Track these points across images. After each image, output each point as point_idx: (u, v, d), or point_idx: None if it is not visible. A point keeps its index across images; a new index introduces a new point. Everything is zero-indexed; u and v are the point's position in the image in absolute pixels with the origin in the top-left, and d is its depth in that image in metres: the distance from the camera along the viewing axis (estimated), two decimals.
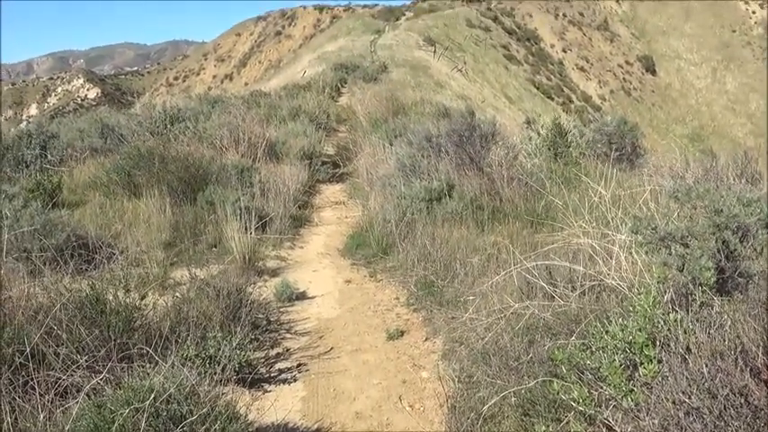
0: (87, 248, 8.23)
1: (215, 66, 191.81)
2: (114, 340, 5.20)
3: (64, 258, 7.51)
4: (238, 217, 9.16)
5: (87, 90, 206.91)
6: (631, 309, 4.13)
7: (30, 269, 6.89)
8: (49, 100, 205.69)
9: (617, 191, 7.08)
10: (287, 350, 6.50)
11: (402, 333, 6.72)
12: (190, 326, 5.79)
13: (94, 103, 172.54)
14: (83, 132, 16.09)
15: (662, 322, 3.94)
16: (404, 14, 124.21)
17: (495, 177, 10.08)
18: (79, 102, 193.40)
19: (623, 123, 12.56)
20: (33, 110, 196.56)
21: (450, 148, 11.04)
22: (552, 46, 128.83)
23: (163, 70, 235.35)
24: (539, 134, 12.27)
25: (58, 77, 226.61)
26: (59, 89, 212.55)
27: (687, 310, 4.16)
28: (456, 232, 8.69)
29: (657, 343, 3.87)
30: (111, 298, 5.49)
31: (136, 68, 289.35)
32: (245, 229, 8.89)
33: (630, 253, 5.44)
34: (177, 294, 6.72)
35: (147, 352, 4.90)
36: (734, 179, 7.99)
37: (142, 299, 5.77)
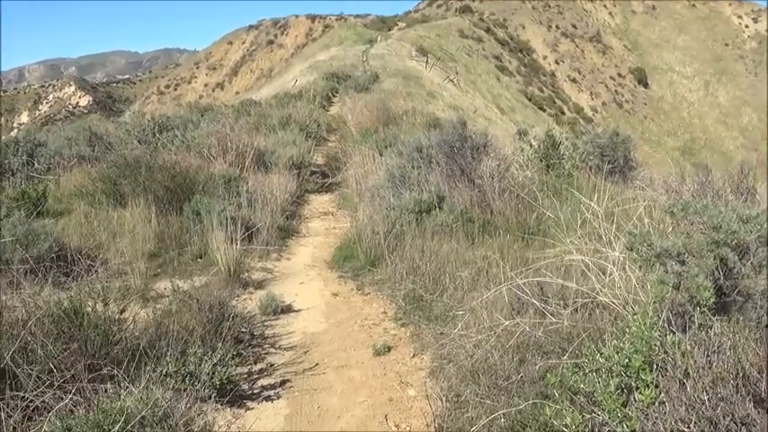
0: (69, 259, 8.05)
1: (206, 74, 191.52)
2: (92, 356, 5.04)
3: (44, 269, 7.37)
4: (224, 227, 9.00)
5: (79, 98, 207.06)
6: (627, 330, 3.97)
7: (9, 280, 6.72)
8: (40, 108, 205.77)
9: (610, 204, 6.95)
10: (270, 366, 6.32)
11: (389, 349, 6.54)
12: (170, 340, 5.62)
13: (86, 111, 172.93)
14: (71, 140, 15.95)
15: (659, 344, 3.78)
16: (396, 25, 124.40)
17: (486, 189, 9.96)
18: (71, 109, 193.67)
19: (616, 135, 12.45)
20: (24, 117, 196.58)
21: (440, 159, 10.92)
22: (545, 57, 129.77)
23: (154, 78, 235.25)
24: (531, 146, 12.15)
25: (50, 85, 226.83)
26: (51, 97, 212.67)
27: (685, 332, 4.01)
28: (446, 245, 8.54)
29: (654, 367, 3.72)
30: (89, 311, 5.31)
31: (128, 76, 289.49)
32: (231, 239, 8.71)
33: (624, 269, 5.30)
34: (159, 307, 6.56)
35: (123, 368, 4.73)
36: (730, 194, 7.88)
37: (121, 312, 5.60)
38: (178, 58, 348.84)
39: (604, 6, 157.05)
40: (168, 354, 5.35)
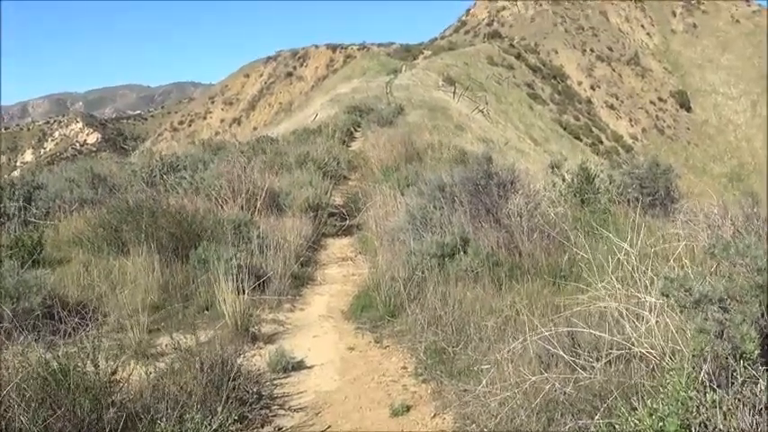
0: (66, 312, 7.95)
1: (222, 109, 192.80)
2: (80, 421, 4.96)
3: (36, 324, 7.31)
4: (233, 276, 8.88)
5: (87, 135, 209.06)
6: (662, 388, 3.82)
7: None
8: (45, 145, 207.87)
9: (647, 243, 6.81)
10: (278, 429, 6.20)
11: (408, 408, 6.41)
12: (168, 403, 5.51)
13: (94, 149, 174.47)
14: (72, 182, 15.93)
15: (697, 405, 3.63)
16: (422, 53, 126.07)
17: (513, 229, 9.88)
18: (78, 147, 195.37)
19: (656, 165, 12.32)
20: (29, 156, 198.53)
21: (464, 197, 10.80)
22: (580, 83, 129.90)
23: (167, 114, 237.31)
24: (563, 179, 12.03)
25: (55, 121, 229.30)
26: (56, 134, 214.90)
27: (727, 388, 3.86)
28: (470, 292, 8.44)
29: (693, 430, 3.56)
30: (78, 373, 5.22)
31: (139, 112, 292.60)
32: (240, 290, 8.62)
33: (662, 316, 5.15)
34: (158, 366, 6.47)
35: None
36: None
37: (113, 374, 5.50)
38: (192, 92, 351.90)
39: (642, 27, 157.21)
40: (164, 420, 5.24)
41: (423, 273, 9.35)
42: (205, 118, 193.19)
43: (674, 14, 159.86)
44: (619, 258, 6.45)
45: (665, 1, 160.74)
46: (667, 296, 4.81)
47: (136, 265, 10.10)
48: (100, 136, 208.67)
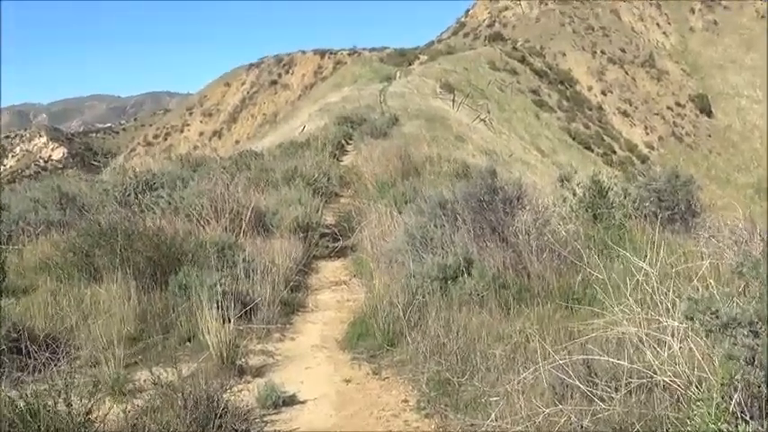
0: (34, 345, 7.93)
1: (201, 121, 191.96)
2: None
3: (1, 360, 7.30)
4: (217, 304, 8.90)
5: (51, 150, 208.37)
6: (689, 420, 3.84)
7: None
8: (5, 162, 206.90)
9: (668, 262, 6.85)
10: None
11: None
12: None
13: (60, 166, 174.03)
14: (37, 203, 15.87)
15: None
16: (418, 58, 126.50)
17: (521, 249, 9.90)
18: (42, 164, 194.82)
19: (675, 177, 12.33)
20: None
21: (467, 215, 10.85)
22: (590, 88, 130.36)
23: (140, 126, 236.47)
24: (574, 193, 12.09)
25: (17, 135, 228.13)
26: (18, 149, 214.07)
27: (761, 419, 3.87)
28: (475, 317, 8.47)
29: None
30: (48, 413, 5.21)
31: (109, 125, 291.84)
32: (225, 318, 8.62)
33: (686, 341, 5.17)
34: (137, 403, 6.47)
35: None
36: None
37: (87, 413, 5.49)
38: (168, 102, 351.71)
39: (657, 25, 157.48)
40: None
41: (423, 297, 9.36)
42: (182, 131, 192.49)
43: (693, 11, 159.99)
44: (637, 279, 6.50)
45: None
46: (692, 319, 4.84)
47: (110, 293, 10.06)
48: (66, 151, 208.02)
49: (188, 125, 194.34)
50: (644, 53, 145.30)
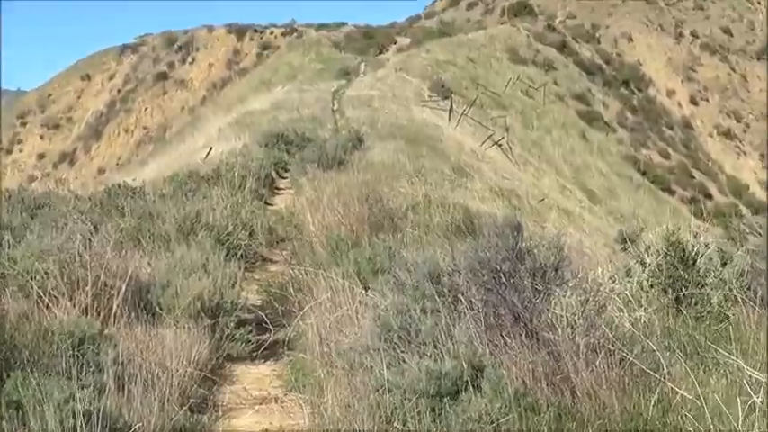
0: None
1: (42, 136, 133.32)
2: None
3: None
4: None
5: None
6: None
7: None
8: None
9: None
10: None
11: None
12: None
13: None
14: None
15: None
16: (394, 41, 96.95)
17: (561, 349, 7.45)
18: None
19: None
20: None
21: (474, 294, 8.30)
22: (672, 93, 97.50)
23: None
24: (644, 263, 9.69)
25: None
26: None
27: None
28: None
29: None
30: None
31: None
32: None
33: None
34: None
35: None
36: None
37: None
38: None
39: None
40: None
41: (405, 425, 7.14)
42: (11, 152, 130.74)
43: None
44: (752, 401, 5.53)
45: None
46: None
47: None
48: None
49: (22, 141, 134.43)
50: (762, 37, 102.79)
